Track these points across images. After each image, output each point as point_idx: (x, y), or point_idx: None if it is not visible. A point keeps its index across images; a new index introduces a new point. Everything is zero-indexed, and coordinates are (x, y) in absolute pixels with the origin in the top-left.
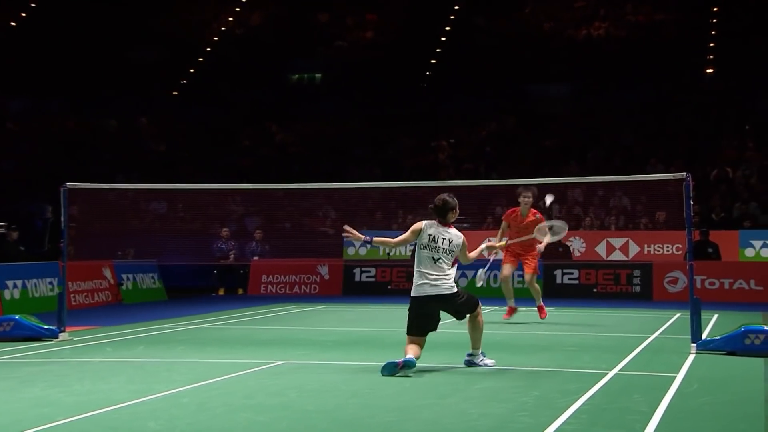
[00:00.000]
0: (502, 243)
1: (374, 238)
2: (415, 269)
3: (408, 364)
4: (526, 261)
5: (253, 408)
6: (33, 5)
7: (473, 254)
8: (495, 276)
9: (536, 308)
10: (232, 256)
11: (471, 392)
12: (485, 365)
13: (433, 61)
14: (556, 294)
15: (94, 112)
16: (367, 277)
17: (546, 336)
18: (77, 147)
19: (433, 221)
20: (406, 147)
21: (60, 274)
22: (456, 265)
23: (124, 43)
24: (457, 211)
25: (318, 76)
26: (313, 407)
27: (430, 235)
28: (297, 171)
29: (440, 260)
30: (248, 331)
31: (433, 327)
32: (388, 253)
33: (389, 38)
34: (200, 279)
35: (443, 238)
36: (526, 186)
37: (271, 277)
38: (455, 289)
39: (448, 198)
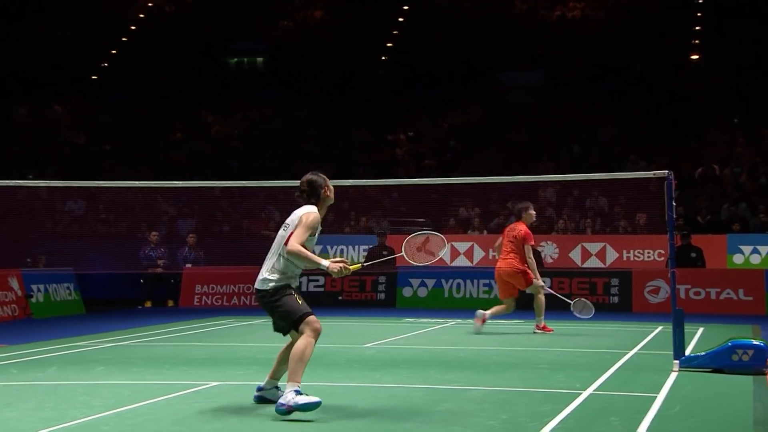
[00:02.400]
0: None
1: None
2: None
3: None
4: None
5: None
6: None
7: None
8: (458, 287)
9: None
10: (162, 263)
11: (432, 415)
12: (285, 405)
13: (389, 45)
14: (525, 305)
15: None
16: (315, 286)
17: (514, 352)
18: None
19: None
20: (360, 140)
21: None
22: (286, 253)
23: (34, 19)
24: (329, 188)
25: (260, 60)
26: None
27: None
28: (236, 167)
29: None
30: (180, 348)
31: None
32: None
33: (341, 18)
34: (125, 290)
35: (290, 220)
36: (518, 194)
37: (206, 287)
38: (268, 286)
39: (313, 176)
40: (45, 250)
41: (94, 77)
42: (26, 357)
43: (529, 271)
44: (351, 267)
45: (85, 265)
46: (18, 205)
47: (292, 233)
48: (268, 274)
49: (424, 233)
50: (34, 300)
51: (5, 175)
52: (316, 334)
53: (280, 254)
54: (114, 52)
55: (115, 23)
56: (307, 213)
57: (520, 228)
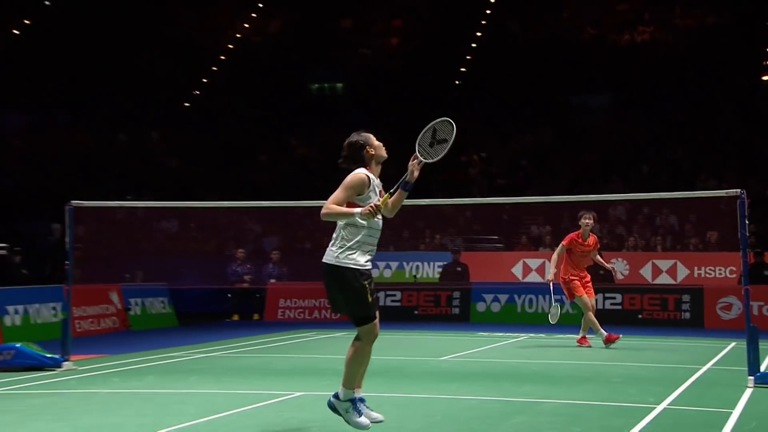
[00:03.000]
0: None
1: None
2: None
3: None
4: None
5: None
6: (36, 12)
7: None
8: (530, 302)
9: (578, 339)
10: (248, 279)
11: (505, 427)
12: (356, 422)
13: (462, 69)
14: (597, 320)
15: (101, 126)
16: (392, 301)
17: (587, 366)
18: (84, 163)
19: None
20: (435, 162)
21: (64, 299)
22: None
23: (132, 52)
24: (372, 146)
25: (340, 85)
26: None
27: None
28: (318, 187)
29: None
30: (266, 359)
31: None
32: (415, 276)
33: (416, 45)
34: (214, 304)
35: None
36: (587, 209)
37: (289, 301)
38: (332, 259)
39: (352, 138)
40: (142, 266)
41: (186, 104)
42: (126, 366)
43: (573, 283)
44: (380, 202)
45: (177, 280)
46: (117, 224)
47: None
48: (331, 246)
49: (429, 127)
50: (132, 313)
51: (106, 197)
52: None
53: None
54: (205, 80)
55: (206, 54)
56: (350, 175)
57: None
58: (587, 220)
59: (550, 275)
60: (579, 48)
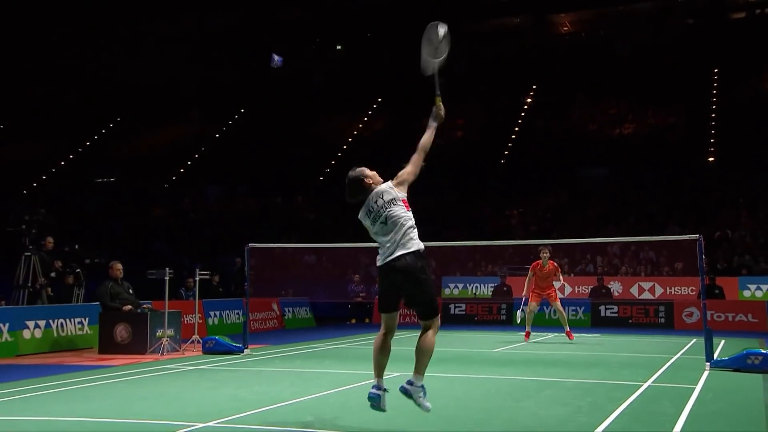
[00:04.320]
0: None
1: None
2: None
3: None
4: (551, 295)
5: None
6: (230, 122)
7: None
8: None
9: (565, 333)
10: (362, 295)
11: (539, 398)
12: (425, 406)
13: (506, 152)
14: (600, 324)
15: (266, 194)
16: (459, 310)
17: (594, 356)
18: (255, 218)
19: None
20: (487, 214)
21: (244, 307)
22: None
23: (286, 145)
24: (368, 176)
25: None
26: None
27: (366, 208)
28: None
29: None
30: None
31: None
32: (474, 293)
33: (474, 136)
34: (339, 311)
35: (381, 197)
36: (545, 245)
37: None
38: (416, 247)
39: (350, 174)
40: (292, 286)
41: (321, 178)
42: (283, 353)
43: (531, 294)
44: (438, 103)
45: (315, 295)
46: (276, 258)
47: (400, 200)
48: (408, 240)
49: (424, 42)
50: (286, 317)
51: (269, 240)
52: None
53: (405, 225)
54: (333, 162)
55: (334, 145)
56: (390, 184)
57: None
58: (544, 254)
59: (525, 291)
60: (585, 136)
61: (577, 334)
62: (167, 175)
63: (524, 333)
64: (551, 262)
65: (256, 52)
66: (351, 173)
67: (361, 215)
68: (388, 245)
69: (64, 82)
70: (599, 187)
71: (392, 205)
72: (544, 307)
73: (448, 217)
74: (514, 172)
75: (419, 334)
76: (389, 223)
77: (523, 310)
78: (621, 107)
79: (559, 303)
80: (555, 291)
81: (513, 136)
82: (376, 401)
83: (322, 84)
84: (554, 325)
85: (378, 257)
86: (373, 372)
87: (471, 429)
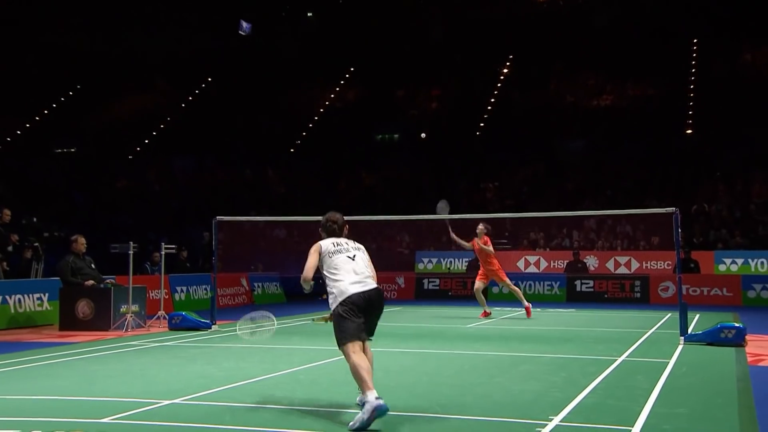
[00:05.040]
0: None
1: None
2: (338, 279)
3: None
4: (497, 274)
5: (350, 384)
6: (197, 91)
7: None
8: (530, 286)
9: (524, 309)
10: None
11: (513, 373)
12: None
13: (482, 124)
14: (576, 299)
15: (235, 166)
16: (433, 285)
17: (569, 331)
18: (223, 190)
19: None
20: (462, 188)
21: (212, 283)
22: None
23: (256, 114)
24: (322, 224)
25: (396, 135)
26: (395, 383)
27: (333, 242)
28: (380, 207)
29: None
30: None
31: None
32: (449, 268)
33: (449, 107)
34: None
35: (348, 242)
36: (484, 222)
37: None
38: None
39: (339, 215)
40: (261, 260)
41: (291, 150)
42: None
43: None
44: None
45: (285, 270)
46: (245, 232)
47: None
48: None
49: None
50: (255, 292)
51: (237, 213)
52: None
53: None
54: (304, 134)
55: (306, 115)
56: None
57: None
58: (479, 230)
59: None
60: (562, 109)
61: (552, 309)
62: (131, 146)
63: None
64: (485, 238)
65: (224, 19)
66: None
67: (327, 242)
68: (360, 277)
69: (19, 49)
70: (576, 159)
71: (360, 251)
72: (519, 283)
73: (422, 189)
74: (490, 144)
75: (362, 351)
76: (357, 260)
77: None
78: (599, 78)
79: (508, 280)
80: (498, 268)
81: (489, 108)
82: (385, 407)
83: (292, 52)
84: (530, 300)
85: (348, 285)
86: (366, 386)
87: (443, 405)
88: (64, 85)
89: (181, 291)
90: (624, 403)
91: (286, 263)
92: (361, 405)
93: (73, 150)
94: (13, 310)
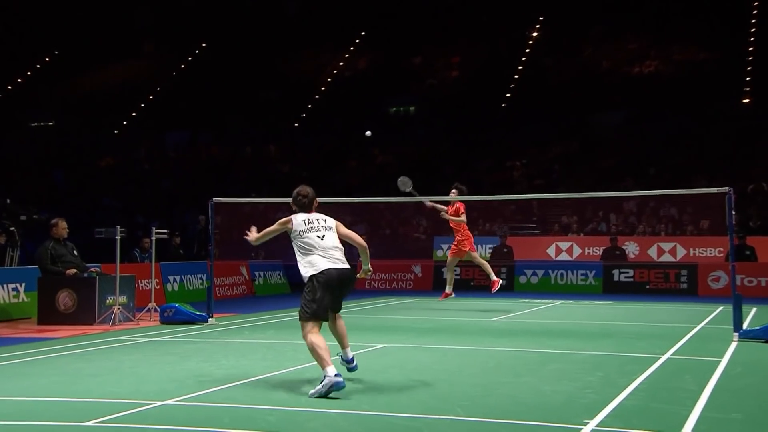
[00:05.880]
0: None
1: (251, 238)
2: (311, 255)
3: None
4: (463, 244)
5: (363, 382)
6: (190, 58)
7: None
8: (561, 276)
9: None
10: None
11: (543, 372)
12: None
13: (508, 95)
14: (613, 290)
15: (233, 142)
16: (455, 275)
17: (606, 325)
18: (220, 169)
19: (302, 213)
20: (486, 166)
21: (208, 272)
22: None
23: (256, 84)
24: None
25: (412, 108)
26: (412, 383)
27: (304, 220)
28: (394, 187)
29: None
30: (356, 319)
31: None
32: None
33: (471, 76)
34: None
35: (320, 219)
36: (460, 184)
37: (373, 274)
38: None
39: (309, 188)
40: (263, 247)
41: (296, 124)
42: (253, 323)
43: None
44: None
45: (290, 257)
46: (245, 215)
47: (342, 232)
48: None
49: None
50: (257, 282)
51: (236, 195)
52: None
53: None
54: (309, 106)
55: (311, 86)
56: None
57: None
58: (452, 191)
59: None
60: (599, 76)
61: (586, 302)
62: (117, 120)
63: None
64: (458, 203)
65: None
66: (310, 190)
67: (299, 218)
68: (331, 253)
69: None
70: (614, 134)
71: (330, 230)
72: (549, 272)
73: (441, 168)
74: (517, 117)
75: (335, 321)
76: (326, 239)
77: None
78: (642, 42)
79: (475, 253)
80: (465, 238)
81: (516, 76)
82: (342, 384)
83: (296, 14)
84: (561, 292)
85: (320, 261)
86: (324, 363)
87: (465, 406)
88: (40, 50)
89: (174, 281)
90: (669, 406)
91: (290, 250)
92: (346, 361)
93: (51, 124)
94: None
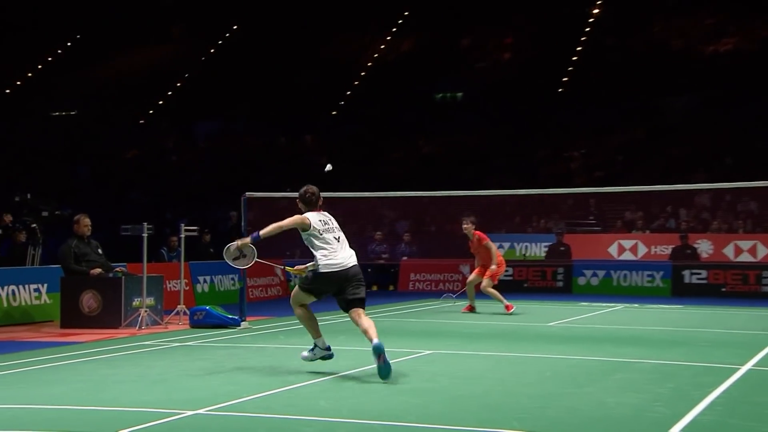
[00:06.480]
0: None
1: (260, 232)
2: (330, 251)
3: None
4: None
5: (409, 392)
6: (220, 42)
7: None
8: (625, 277)
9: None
10: (384, 256)
11: (607, 383)
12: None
13: (565, 78)
14: (684, 293)
15: (267, 132)
16: (505, 275)
17: (677, 332)
18: (253, 161)
19: (313, 212)
20: (541, 157)
21: (240, 272)
22: None
23: (291, 69)
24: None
25: (460, 94)
26: (463, 393)
27: (321, 220)
28: (441, 180)
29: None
30: (400, 323)
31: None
32: (524, 254)
33: (525, 58)
34: None
35: (331, 219)
36: (466, 216)
37: (418, 275)
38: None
39: (313, 188)
40: (299, 246)
41: (334, 113)
42: (289, 326)
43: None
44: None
45: None
46: (279, 211)
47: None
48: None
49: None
50: (292, 283)
51: (269, 189)
52: None
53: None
54: (349, 93)
55: (350, 70)
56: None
57: None
58: (465, 226)
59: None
60: (669, 57)
61: (653, 306)
62: (143, 109)
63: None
64: (476, 233)
65: None
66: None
67: (315, 217)
68: (346, 255)
69: None
70: (686, 120)
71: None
72: (611, 273)
73: (492, 159)
74: (576, 102)
75: (359, 318)
76: (341, 240)
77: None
78: (719, 16)
79: (487, 282)
80: (496, 273)
81: (575, 58)
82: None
83: None
84: (625, 294)
85: (339, 258)
86: (315, 334)
87: (521, 419)
88: (61, 34)
89: (204, 281)
90: (752, 423)
91: None
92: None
93: (72, 113)
94: (6, 304)
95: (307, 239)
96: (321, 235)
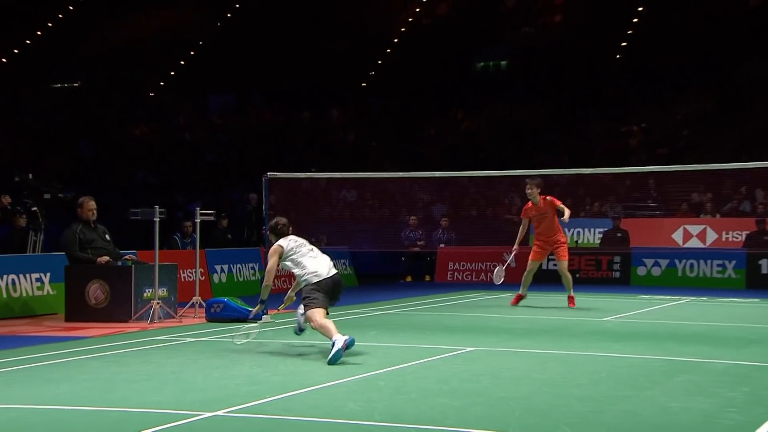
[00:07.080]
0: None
1: (262, 298)
2: (308, 270)
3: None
4: (557, 251)
5: (447, 393)
6: (237, 5)
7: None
8: (692, 266)
9: (566, 298)
10: (420, 243)
11: (671, 385)
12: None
13: (623, 44)
14: (760, 285)
15: (288, 105)
16: (554, 264)
17: (752, 329)
18: (274, 138)
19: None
20: (595, 132)
21: (261, 260)
22: None
23: (314, 37)
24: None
25: (503, 63)
26: (507, 394)
27: (291, 239)
28: (482, 158)
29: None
30: (438, 317)
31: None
32: (576, 241)
33: (577, 21)
34: (389, 266)
35: (300, 238)
36: (532, 177)
37: (457, 264)
38: None
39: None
40: (324, 231)
41: (363, 84)
42: None
43: (533, 248)
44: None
45: (357, 244)
46: (303, 193)
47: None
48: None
49: None
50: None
51: (292, 168)
52: None
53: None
54: (380, 62)
55: (381, 37)
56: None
57: None
58: (528, 190)
59: (515, 245)
60: (742, 16)
61: (725, 299)
62: (153, 80)
63: (514, 295)
64: (542, 197)
65: None
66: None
67: (285, 242)
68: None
69: None
70: (764, 89)
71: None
72: (676, 262)
73: (540, 135)
74: (635, 71)
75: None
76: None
77: (506, 260)
78: None
79: (565, 263)
80: (564, 245)
81: (635, 20)
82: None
83: None
84: (691, 286)
85: (316, 273)
86: (332, 334)
87: (572, 424)
88: None
89: (222, 271)
90: None
91: (358, 234)
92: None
93: (76, 85)
94: (5, 295)
95: (286, 263)
96: (297, 251)
